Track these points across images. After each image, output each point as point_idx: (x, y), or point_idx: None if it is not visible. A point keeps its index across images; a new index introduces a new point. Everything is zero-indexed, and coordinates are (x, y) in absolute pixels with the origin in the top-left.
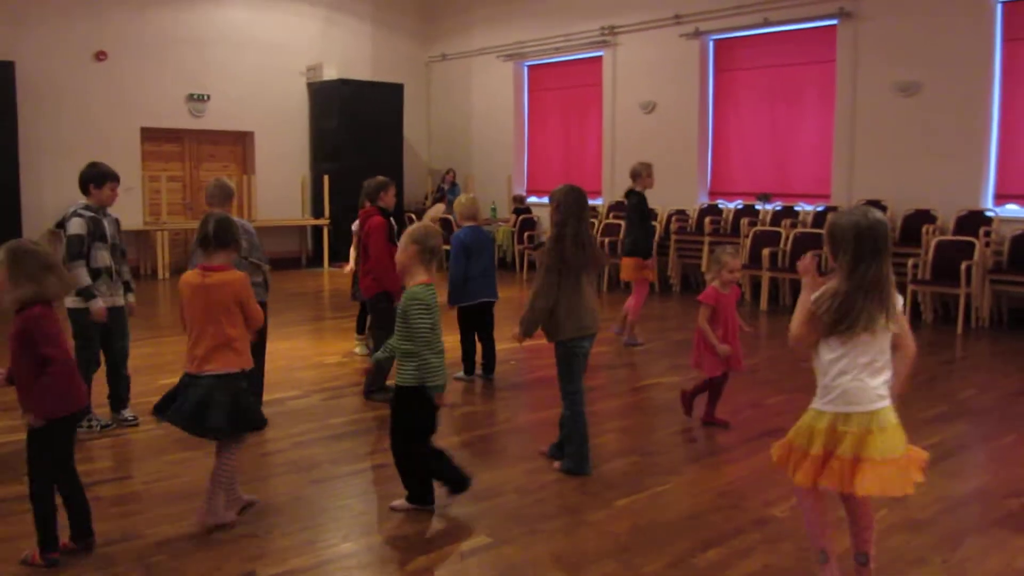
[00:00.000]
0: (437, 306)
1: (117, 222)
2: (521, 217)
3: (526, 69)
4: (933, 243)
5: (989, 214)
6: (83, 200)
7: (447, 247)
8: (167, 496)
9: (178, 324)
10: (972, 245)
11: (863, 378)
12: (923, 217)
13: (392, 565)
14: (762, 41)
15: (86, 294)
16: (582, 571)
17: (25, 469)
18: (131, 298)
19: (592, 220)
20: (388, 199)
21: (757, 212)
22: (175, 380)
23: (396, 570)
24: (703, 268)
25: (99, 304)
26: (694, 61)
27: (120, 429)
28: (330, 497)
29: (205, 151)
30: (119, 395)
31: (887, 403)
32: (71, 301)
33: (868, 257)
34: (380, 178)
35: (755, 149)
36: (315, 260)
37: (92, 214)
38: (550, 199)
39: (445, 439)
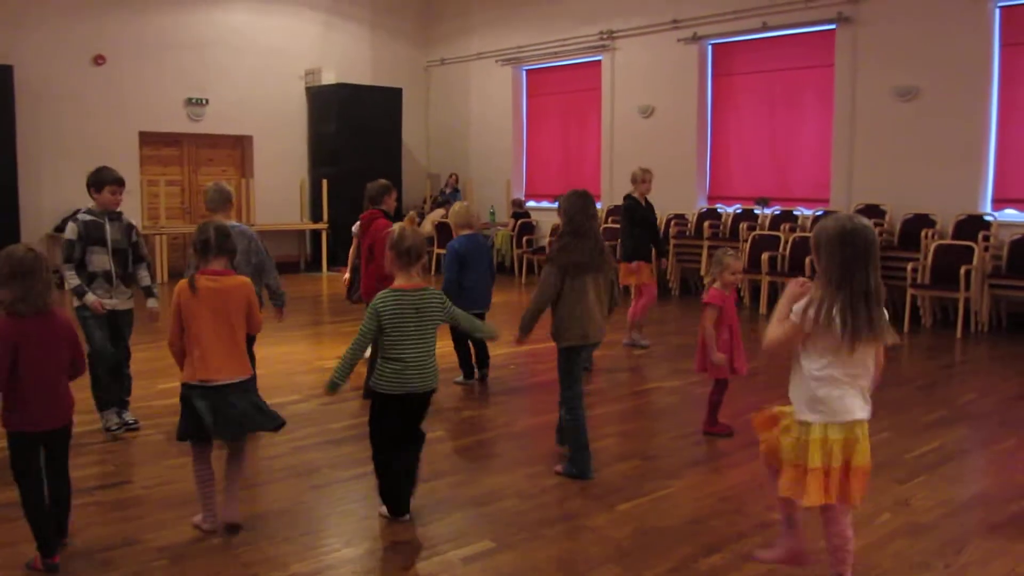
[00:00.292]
0: (399, 312)
1: (129, 227)
2: (520, 221)
3: (524, 73)
4: (932, 247)
5: (988, 219)
6: (90, 203)
7: (441, 251)
8: (167, 501)
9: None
10: (971, 250)
11: (848, 390)
12: (922, 221)
13: (394, 571)
14: (761, 46)
15: (77, 292)
16: None
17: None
18: (152, 303)
19: None
20: (390, 203)
21: (756, 216)
22: (176, 384)
23: None
24: (702, 272)
25: (91, 297)
26: (693, 65)
27: (120, 432)
28: (330, 502)
29: (204, 155)
30: (120, 398)
31: (868, 414)
32: (74, 302)
33: (855, 265)
34: (382, 181)
35: (754, 153)
36: (314, 264)
37: (92, 218)
38: (558, 204)
39: (447, 443)
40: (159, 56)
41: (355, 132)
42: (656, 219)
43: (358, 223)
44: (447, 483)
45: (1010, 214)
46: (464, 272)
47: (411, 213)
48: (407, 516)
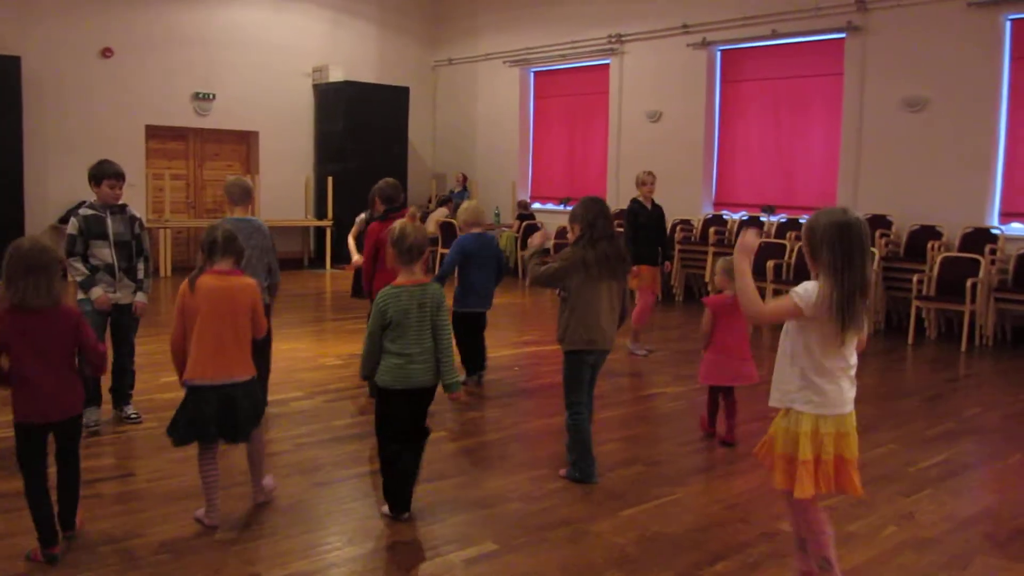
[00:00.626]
0: (402, 308)
1: (133, 220)
2: (525, 223)
3: (532, 75)
4: (938, 260)
5: (995, 232)
6: (87, 195)
7: (444, 251)
8: (170, 495)
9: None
10: (977, 262)
11: (840, 382)
12: (928, 233)
13: (395, 571)
14: (770, 53)
15: (83, 285)
16: None
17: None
18: (139, 297)
19: None
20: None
21: (762, 224)
22: (176, 379)
23: None
24: (706, 278)
25: (99, 292)
26: (701, 71)
27: (122, 426)
28: (333, 500)
29: (209, 150)
30: (122, 391)
31: (852, 407)
32: (78, 294)
33: (855, 256)
34: (394, 180)
35: (760, 160)
36: (317, 261)
37: (93, 212)
38: (573, 212)
39: (451, 445)
40: (167, 50)
41: (361, 130)
42: (664, 222)
43: (365, 217)
44: (451, 484)
45: (1017, 228)
46: (471, 270)
47: (412, 209)
48: (407, 514)
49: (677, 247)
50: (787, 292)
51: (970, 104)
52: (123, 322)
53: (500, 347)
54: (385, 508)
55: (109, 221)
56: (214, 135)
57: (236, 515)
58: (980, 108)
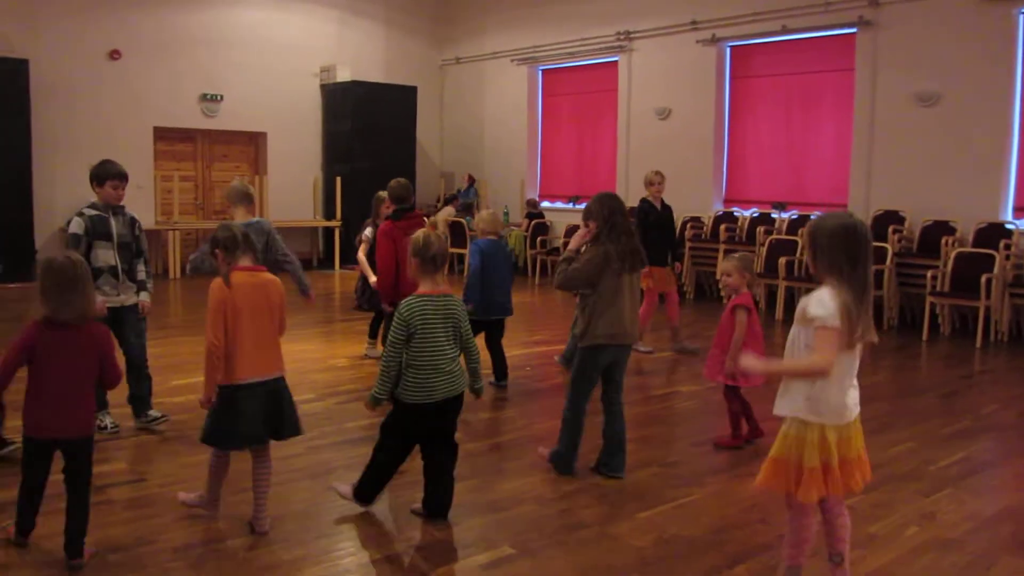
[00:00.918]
0: (428, 318)
1: (133, 221)
2: (534, 222)
3: (540, 73)
4: (952, 255)
5: (1009, 227)
6: (94, 198)
7: (456, 251)
8: None
9: (190, 326)
10: (992, 258)
11: (847, 389)
12: (942, 229)
13: None
14: (780, 48)
15: None
16: None
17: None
18: (143, 297)
19: None
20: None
21: (773, 220)
22: (190, 381)
23: None
24: (717, 276)
25: (99, 298)
26: (711, 68)
27: (136, 431)
28: (346, 505)
29: (218, 151)
30: (141, 396)
31: (858, 410)
32: None
33: (862, 260)
34: (404, 180)
35: (771, 157)
36: (326, 262)
37: (97, 212)
38: (587, 207)
39: (465, 446)
40: (174, 51)
41: (369, 130)
42: (673, 222)
43: (371, 225)
44: (466, 487)
45: None
46: (490, 275)
47: (432, 218)
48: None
49: (688, 245)
50: (812, 326)
51: (983, 98)
52: (130, 323)
53: (511, 347)
54: (344, 488)
55: (112, 222)
56: (222, 136)
57: (248, 520)
58: (993, 102)
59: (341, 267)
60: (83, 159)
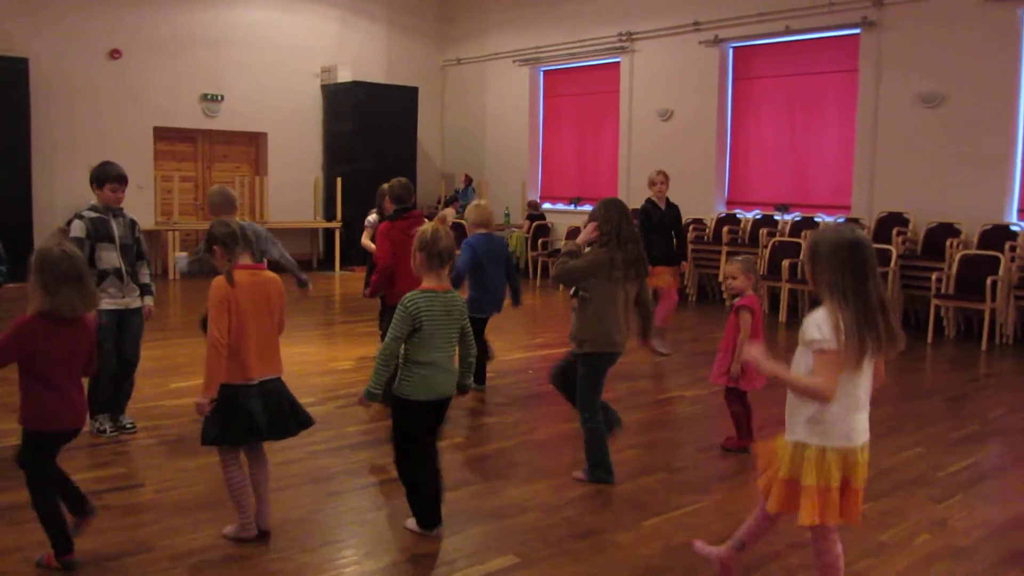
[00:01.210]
0: (432, 313)
1: (133, 223)
2: (535, 223)
3: (542, 74)
4: (957, 257)
5: (1014, 228)
6: (93, 198)
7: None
8: (180, 505)
9: (192, 327)
10: (997, 260)
11: (854, 412)
12: (947, 231)
13: None
14: (783, 49)
15: None
16: None
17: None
18: (148, 301)
19: None
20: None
21: (776, 222)
22: (187, 384)
23: None
24: (720, 278)
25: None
26: (713, 69)
27: (128, 435)
28: (348, 511)
29: (218, 151)
30: (118, 401)
31: (867, 434)
32: None
33: (866, 274)
34: (405, 179)
35: (774, 158)
36: (326, 263)
37: (97, 215)
38: (593, 211)
39: (467, 451)
40: (175, 51)
41: (370, 131)
42: (680, 221)
43: (375, 219)
44: (468, 493)
45: None
46: (483, 272)
47: (441, 213)
48: (434, 531)
49: (690, 247)
50: (812, 348)
51: (987, 99)
52: (132, 327)
53: (512, 350)
54: (411, 523)
55: (113, 224)
56: (223, 136)
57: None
58: (997, 103)
59: (341, 268)
60: (83, 159)
